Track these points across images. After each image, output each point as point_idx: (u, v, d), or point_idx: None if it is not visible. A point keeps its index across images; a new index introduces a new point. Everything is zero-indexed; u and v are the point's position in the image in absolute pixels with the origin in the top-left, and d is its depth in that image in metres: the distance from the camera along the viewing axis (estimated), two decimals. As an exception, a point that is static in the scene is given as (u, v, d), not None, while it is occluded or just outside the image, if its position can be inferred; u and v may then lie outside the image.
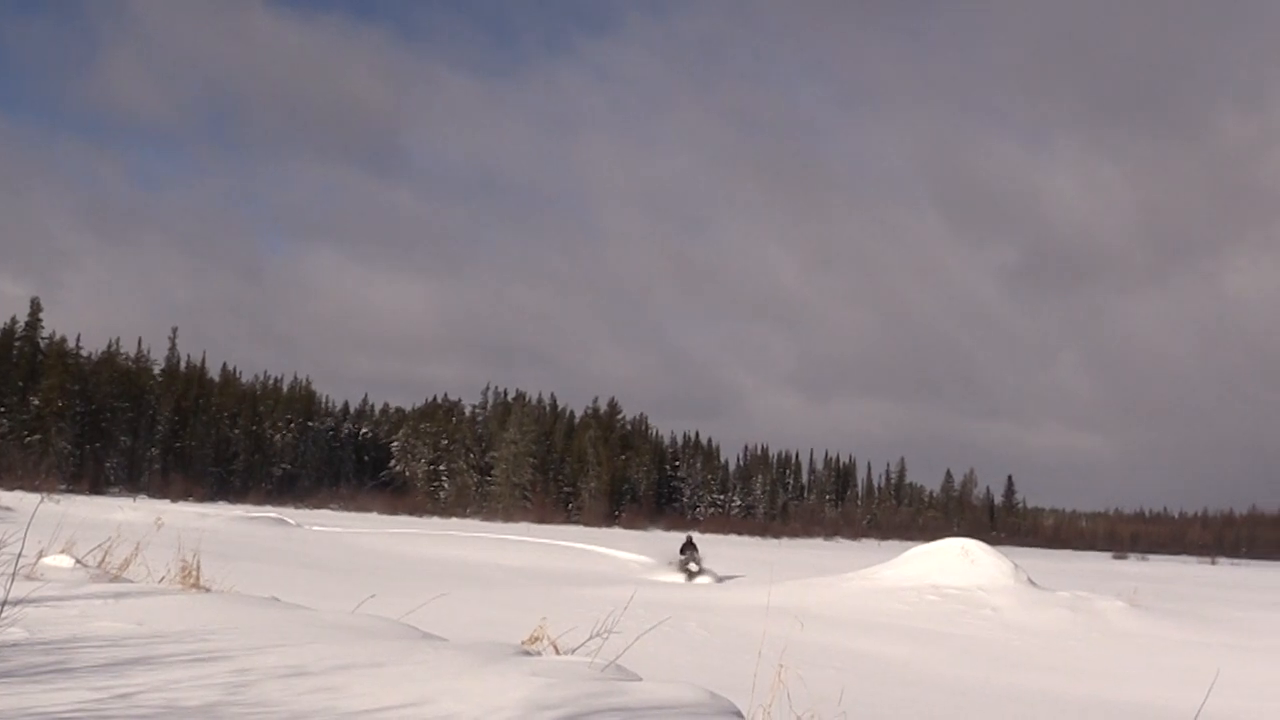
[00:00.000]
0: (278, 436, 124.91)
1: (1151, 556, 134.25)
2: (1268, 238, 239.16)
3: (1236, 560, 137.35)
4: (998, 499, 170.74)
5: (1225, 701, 13.46)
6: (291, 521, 62.51)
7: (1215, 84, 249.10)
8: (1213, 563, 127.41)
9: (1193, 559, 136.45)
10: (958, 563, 28.72)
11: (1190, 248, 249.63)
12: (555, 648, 7.78)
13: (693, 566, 40.85)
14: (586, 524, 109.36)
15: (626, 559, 46.71)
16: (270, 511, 71.75)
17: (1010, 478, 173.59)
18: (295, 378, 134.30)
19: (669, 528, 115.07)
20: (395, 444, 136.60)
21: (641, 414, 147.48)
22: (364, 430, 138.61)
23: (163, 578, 10.14)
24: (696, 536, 46.77)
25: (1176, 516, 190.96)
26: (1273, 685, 16.93)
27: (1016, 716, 13.12)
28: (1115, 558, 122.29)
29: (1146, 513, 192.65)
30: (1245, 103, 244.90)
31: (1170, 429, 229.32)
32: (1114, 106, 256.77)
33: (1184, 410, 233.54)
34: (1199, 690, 7.09)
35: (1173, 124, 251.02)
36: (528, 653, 7.26)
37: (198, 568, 9.82)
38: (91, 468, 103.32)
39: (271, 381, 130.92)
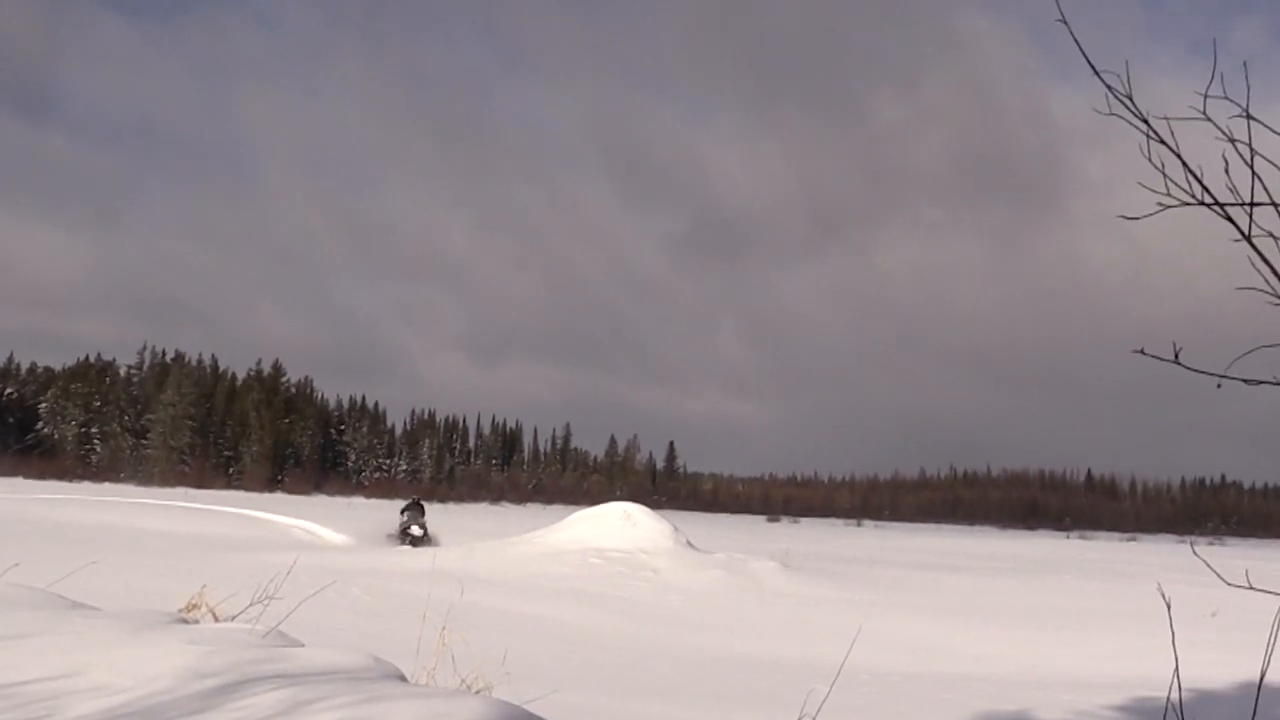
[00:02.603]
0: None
1: (802, 519, 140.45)
2: (914, 216, 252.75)
3: (880, 523, 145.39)
4: (660, 464, 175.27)
5: (862, 655, 14.30)
6: (-76, 487, 58.81)
7: (871, 68, 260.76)
8: (859, 525, 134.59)
9: (840, 522, 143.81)
10: (620, 526, 29.39)
11: (845, 223, 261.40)
12: (214, 615, 7.62)
13: (415, 530, 36.19)
14: (248, 489, 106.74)
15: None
16: (-100, 476, 67.26)
17: (672, 443, 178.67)
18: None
19: (334, 493, 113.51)
20: (44, 405, 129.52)
21: (306, 376, 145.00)
22: (9, 390, 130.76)
23: None
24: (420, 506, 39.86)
25: (826, 481, 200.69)
26: (906, 638, 18.08)
27: (666, 672, 13.59)
28: (769, 521, 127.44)
29: (799, 477, 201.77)
30: (899, 87, 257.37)
31: (822, 397, 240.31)
32: (775, 85, 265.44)
33: (835, 380, 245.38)
34: (840, 645, 7.52)
35: (831, 104, 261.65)
36: (185, 621, 7.07)
37: None
38: None
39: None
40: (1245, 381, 2.39)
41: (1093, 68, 2.54)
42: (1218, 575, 2.97)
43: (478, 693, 6.11)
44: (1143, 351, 2.43)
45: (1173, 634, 3.02)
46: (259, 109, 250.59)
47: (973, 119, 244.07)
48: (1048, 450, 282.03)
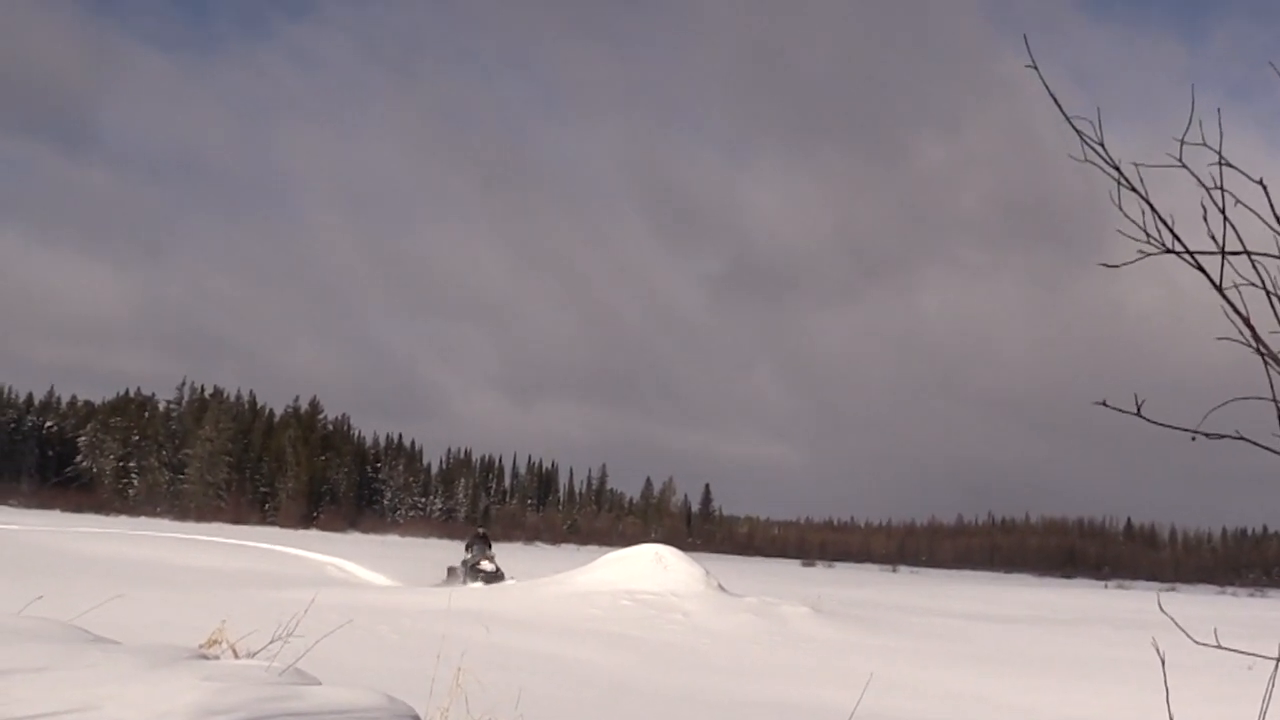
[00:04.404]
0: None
1: (838, 564, 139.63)
2: (955, 259, 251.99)
3: (917, 569, 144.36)
4: (695, 506, 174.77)
5: (885, 700, 14.20)
6: (-37, 518, 59.25)
7: (913, 110, 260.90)
8: (894, 571, 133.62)
9: (875, 567, 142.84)
10: (651, 569, 29.30)
11: (885, 266, 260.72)
12: (234, 651, 7.62)
13: (486, 565, 33.75)
14: (283, 525, 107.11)
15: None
16: (-59, 507, 67.83)
17: (708, 486, 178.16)
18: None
19: (369, 530, 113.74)
20: (83, 439, 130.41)
21: (344, 414, 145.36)
22: (49, 424, 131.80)
23: None
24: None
25: (863, 526, 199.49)
26: (933, 685, 17.93)
27: (687, 715, 13.50)
28: (804, 565, 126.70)
29: (835, 522, 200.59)
30: (941, 129, 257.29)
31: (859, 441, 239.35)
32: (815, 125, 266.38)
33: (873, 423, 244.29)
34: (869, 691, 7.46)
35: (871, 145, 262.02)
36: (204, 656, 7.09)
37: None
38: None
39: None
40: (1208, 435, 2.36)
41: (1064, 114, 2.54)
42: (1185, 633, 2.93)
43: (489, 734, 6.11)
44: (1104, 404, 2.41)
45: (1166, 690, 2.99)
46: (297, 145, 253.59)
47: (1015, 162, 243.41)
48: (1087, 498, 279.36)
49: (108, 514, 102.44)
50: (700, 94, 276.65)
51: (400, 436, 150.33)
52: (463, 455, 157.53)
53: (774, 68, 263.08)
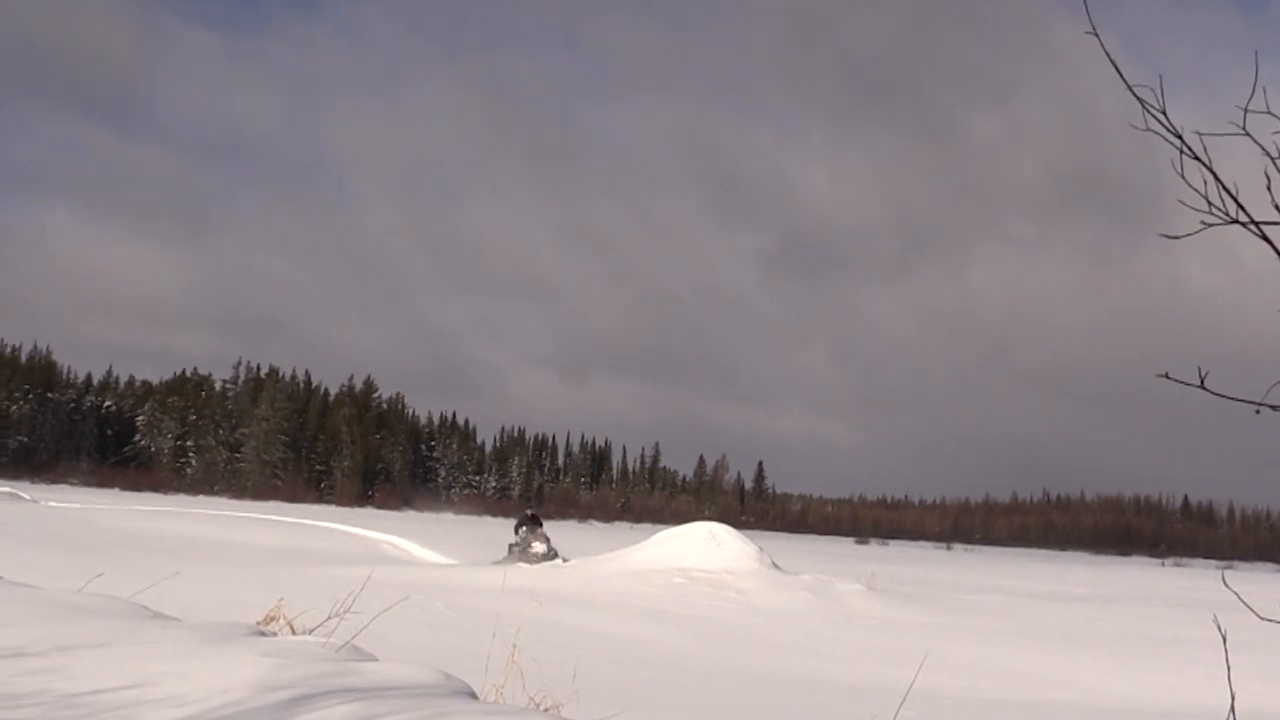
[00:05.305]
0: (14, 408, 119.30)
1: (891, 542, 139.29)
2: (1006, 234, 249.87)
3: (971, 547, 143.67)
4: (748, 484, 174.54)
5: (941, 678, 14.14)
6: (26, 496, 60.05)
7: (963, 83, 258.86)
8: (948, 549, 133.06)
9: (930, 545, 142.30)
10: (705, 546, 29.29)
11: (935, 241, 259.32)
12: (292, 628, 7.69)
13: (537, 546, 32.89)
14: (339, 504, 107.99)
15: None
16: (4, 486, 68.69)
17: (760, 463, 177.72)
18: (35, 347, 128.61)
19: (423, 508, 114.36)
20: (141, 418, 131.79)
21: (398, 393, 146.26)
22: (107, 403, 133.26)
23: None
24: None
25: (916, 504, 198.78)
26: (986, 663, 17.83)
27: (743, 693, 13.50)
28: (857, 543, 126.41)
29: (888, 499, 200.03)
30: (994, 102, 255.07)
31: (912, 418, 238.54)
32: (865, 101, 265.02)
33: (925, 400, 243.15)
34: (924, 669, 7.43)
35: (921, 120, 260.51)
36: (262, 633, 7.15)
37: (-87, 544, 9.34)
38: None
39: (8, 350, 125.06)
40: (1273, 408, 2.31)
41: (1125, 83, 2.49)
42: (1251, 610, 2.88)
43: (545, 710, 6.12)
44: (1167, 376, 2.37)
45: (1228, 666, 2.95)
46: (346, 123, 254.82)
47: (1068, 134, 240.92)
48: (1143, 475, 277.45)
49: (166, 492, 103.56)
50: (750, 70, 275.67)
51: (454, 415, 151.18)
52: (516, 433, 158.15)
53: (824, 43, 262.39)
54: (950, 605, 28.63)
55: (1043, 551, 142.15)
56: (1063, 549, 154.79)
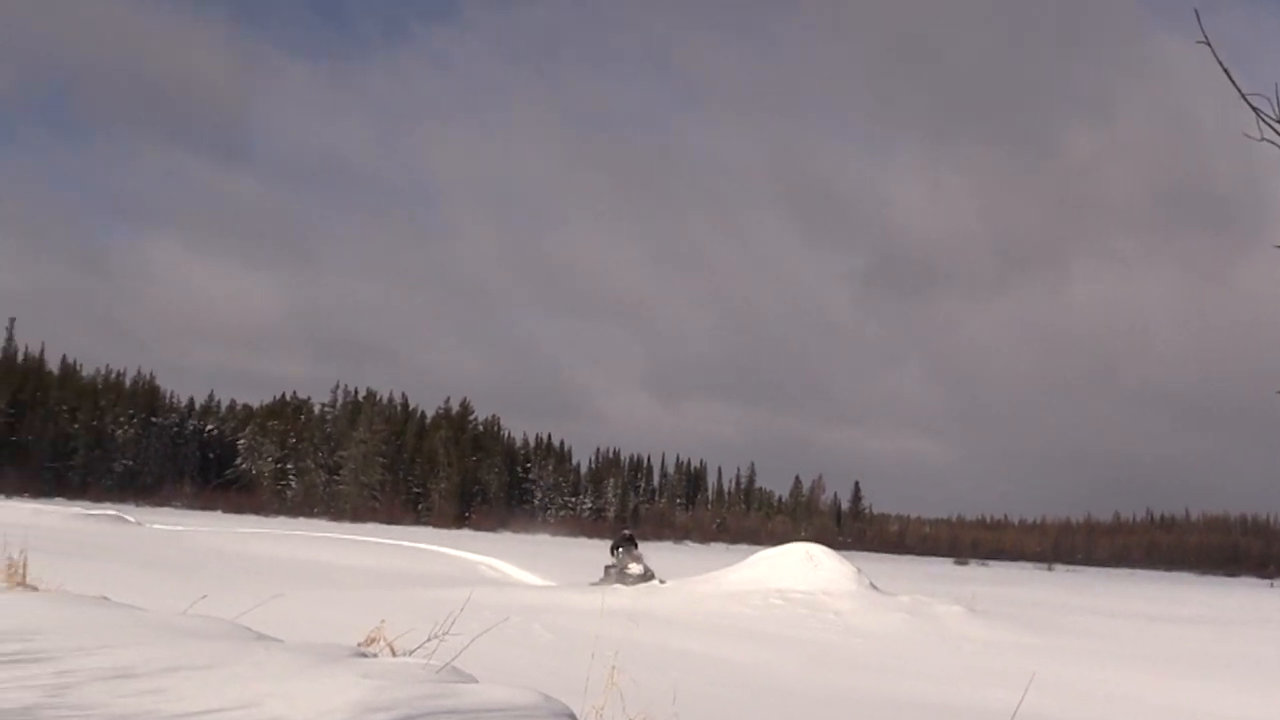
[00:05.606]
0: (119, 432, 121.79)
1: (991, 562, 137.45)
2: (1107, 249, 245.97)
3: (1073, 567, 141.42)
4: (844, 504, 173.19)
5: (1044, 700, 13.89)
6: (131, 519, 61.04)
7: (1059, 97, 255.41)
8: (1049, 569, 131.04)
9: (1030, 565, 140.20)
10: (802, 567, 29.10)
11: (1033, 258, 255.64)
12: (392, 649, 7.72)
13: (634, 568, 32.08)
14: (436, 525, 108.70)
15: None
16: (110, 509, 69.99)
17: (857, 483, 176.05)
18: (139, 372, 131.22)
19: (519, 530, 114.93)
20: (242, 441, 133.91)
21: (494, 415, 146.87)
22: (209, 427, 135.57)
23: (-16, 577, 9.80)
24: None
25: (1016, 524, 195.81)
26: (1089, 685, 17.50)
27: (843, 715, 13.37)
28: (957, 563, 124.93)
29: (988, 519, 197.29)
30: (1093, 116, 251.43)
31: (1010, 437, 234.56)
32: (958, 118, 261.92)
33: (1024, 419, 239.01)
34: (1020, 691, 7.30)
35: (1018, 135, 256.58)
36: (363, 654, 7.18)
37: (24, 565, 9.52)
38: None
39: (114, 375, 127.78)
40: None
41: (1239, 91, 2.42)
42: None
43: (645, 733, 6.09)
44: (1281, 393, 2.29)
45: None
46: (439, 148, 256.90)
47: (1170, 147, 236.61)
48: (1251, 494, 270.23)
49: (267, 515, 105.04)
50: (840, 87, 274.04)
51: (549, 436, 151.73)
52: (611, 455, 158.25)
53: (915, 58, 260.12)
54: (1054, 627, 28.17)
55: (1147, 572, 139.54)
56: (1168, 569, 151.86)
